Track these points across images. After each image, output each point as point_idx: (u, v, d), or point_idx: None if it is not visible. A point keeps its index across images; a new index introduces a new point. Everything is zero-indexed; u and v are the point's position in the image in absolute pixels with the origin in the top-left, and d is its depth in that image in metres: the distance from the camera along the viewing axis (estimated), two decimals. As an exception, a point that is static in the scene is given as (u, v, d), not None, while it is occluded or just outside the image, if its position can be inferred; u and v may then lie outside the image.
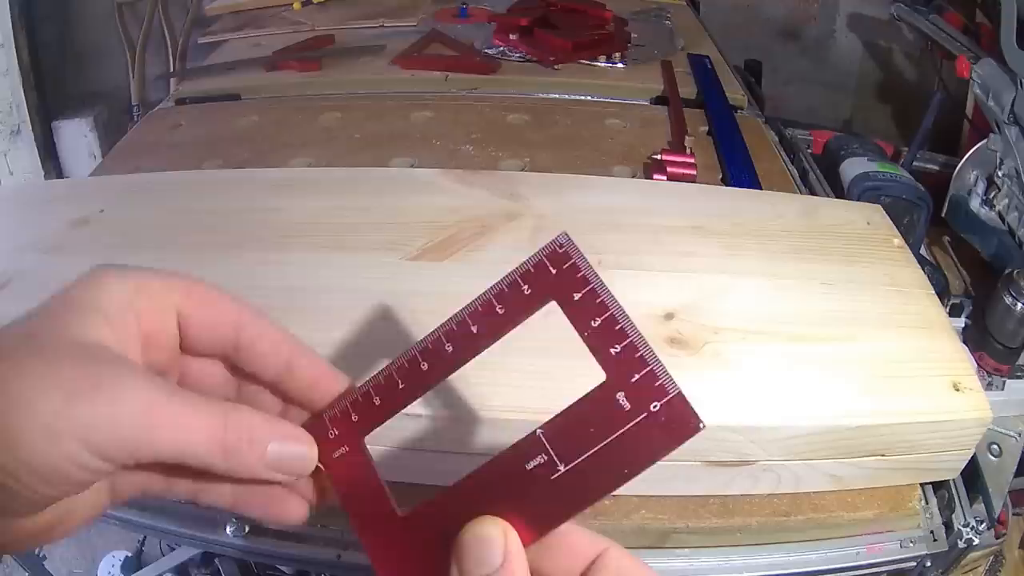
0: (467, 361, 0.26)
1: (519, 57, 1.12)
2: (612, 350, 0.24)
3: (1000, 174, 1.07)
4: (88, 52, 1.60)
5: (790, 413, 0.45)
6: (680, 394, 0.23)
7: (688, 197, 0.67)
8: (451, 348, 0.26)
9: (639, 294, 0.54)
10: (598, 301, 0.25)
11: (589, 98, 1.03)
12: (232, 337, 0.27)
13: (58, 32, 1.54)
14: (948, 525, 0.50)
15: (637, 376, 0.23)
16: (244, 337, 0.28)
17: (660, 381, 0.23)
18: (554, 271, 0.26)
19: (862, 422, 0.45)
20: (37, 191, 0.83)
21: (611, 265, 0.56)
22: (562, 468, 0.24)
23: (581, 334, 0.25)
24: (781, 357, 0.49)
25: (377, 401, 0.27)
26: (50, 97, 1.51)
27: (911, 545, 0.49)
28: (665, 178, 0.78)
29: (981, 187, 1.12)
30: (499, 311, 0.26)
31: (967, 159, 1.15)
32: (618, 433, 0.23)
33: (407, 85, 1.05)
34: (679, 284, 0.55)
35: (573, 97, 1.03)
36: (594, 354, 0.24)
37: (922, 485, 0.52)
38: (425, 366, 0.27)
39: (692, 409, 0.23)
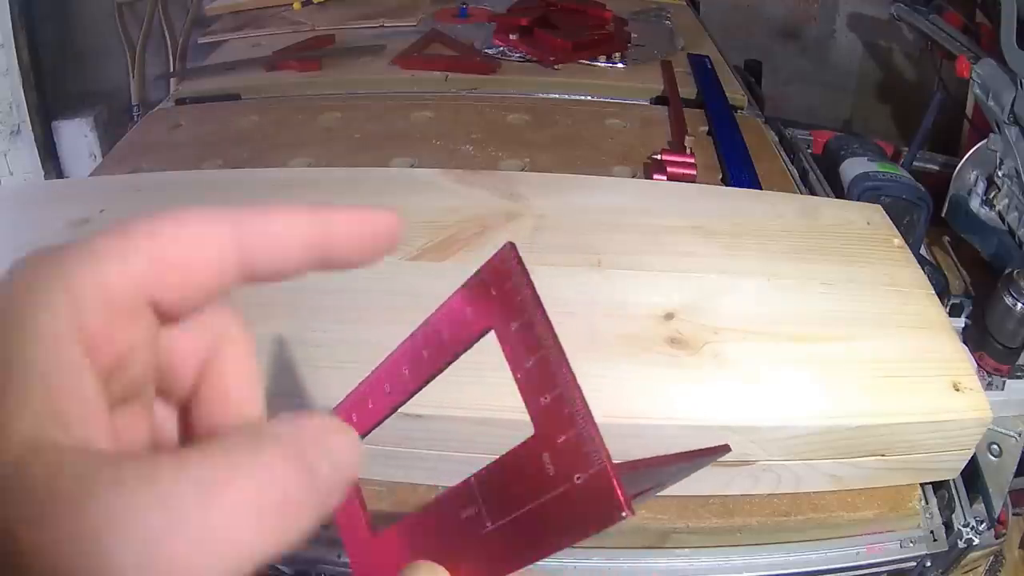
0: (421, 386, 0.24)
1: (519, 57, 1.12)
2: (542, 399, 0.20)
3: (1000, 174, 1.07)
4: (88, 52, 1.60)
5: (790, 413, 0.45)
6: (605, 470, 0.18)
7: (688, 197, 0.67)
8: (407, 371, 0.24)
9: (639, 294, 0.54)
10: (534, 335, 0.21)
11: (589, 98, 1.03)
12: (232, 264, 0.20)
13: (58, 32, 1.54)
14: (948, 525, 0.50)
15: (563, 438, 0.19)
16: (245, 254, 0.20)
17: (587, 448, 0.19)
18: (494, 292, 0.22)
19: (862, 422, 0.45)
20: (37, 191, 0.83)
21: (611, 265, 0.56)
22: (489, 525, 0.20)
23: (514, 375, 0.21)
24: (781, 357, 0.49)
25: (370, 404, 0.26)
26: (50, 97, 1.51)
27: (911, 545, 0.49)
28: (665, 178, 0.78)
29: (981, 187, 1.12)
30: (445, 336, 0.23)
31: (967, 159, 1.15)
32: (541, 500, 0.19)
33: (407, 85, 1.05)
34: (679, 284, 0.55)
35: (573, 97, 1.03)
36: (524, 401, 0.20)
37: (922, 485, 0.52)
38: (387, 387, 0.25)
39: (619, 491, 0.18)
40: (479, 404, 0.44)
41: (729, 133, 0.90)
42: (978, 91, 1.11)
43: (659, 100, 1.02)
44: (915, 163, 1.47)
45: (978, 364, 0.78)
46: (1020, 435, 0.57)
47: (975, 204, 1.13)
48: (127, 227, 0.18)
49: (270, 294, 0.53)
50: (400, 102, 0.99)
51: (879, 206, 0.67)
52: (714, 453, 0.24)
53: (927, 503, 0.51)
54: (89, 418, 0.16)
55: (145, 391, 0.19)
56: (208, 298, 0.19)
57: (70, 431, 0.15)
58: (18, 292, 0.16)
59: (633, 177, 0.83)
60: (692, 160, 0.81)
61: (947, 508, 0.51)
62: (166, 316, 0.19)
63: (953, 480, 0.51)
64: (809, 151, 0.96)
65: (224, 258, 0.19)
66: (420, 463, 0.46)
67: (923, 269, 0.58)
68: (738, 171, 0.81)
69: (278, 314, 0.51)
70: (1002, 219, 1.08)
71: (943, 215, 1.16)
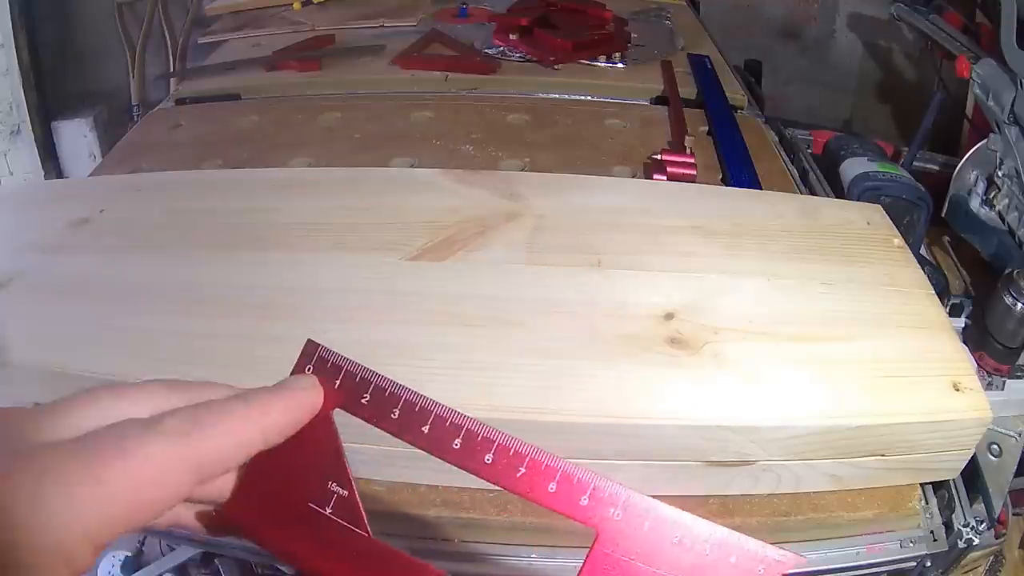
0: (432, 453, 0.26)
1: (519, 57, 1.12)
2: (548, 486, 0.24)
3: (1000, 174, 1.07)
4: (88, 52, 1.60)
5: (790, 413, 0.45)
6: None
7: (688, 197, 0.67)
8: (427, 429, 0.26)
9: (639, 294, 0.54)
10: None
11: (589, 98, 1.03)
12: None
13: (58, 32, 1.54)
14: (948, 525, 0.50)
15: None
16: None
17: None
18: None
19: (862, 422, 0.45)
20: (37, 191, 0.83)
21: (611, 265, 0.56)
22: None
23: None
24: (781, 357, 0.49)
25: (366, 399, 0.27)
26: (50, 97, 1.51)
27: (911, 545, 0.49)
28: (665, 178, 0.78)
29: (981, 187, 1.12)
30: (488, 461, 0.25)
31: (967, 159, 1.15)
32: None
33: (407, 85, 1.05)
34: (679, 284, 0.55)
35: (573, 97, 1.03)
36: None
37: (922, 485, 0.52)
38: (396, 414, 0.26)
39: None
40: (479, 404, 0.44)
41: (729, 133, 0.90)
42: (978, 91, 1.11)
43: (659, 100, 1.02)
44: (915, 163, 1.47)
45: (978, 364, 0.77)
46: (1020, 435, 0.57)
47: (975, 204, 1.13)
48: (105, 462, 0.22)
49: (270, 295, 0.53)
50: (400, 102, 0.99)
51: (879, 206, 0.67)
52: None
53: (927, 503, 0.51)
54: None
55: None
56: (176, 503, 0.24)
57: None
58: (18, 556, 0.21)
59: (633, 177, 0.83)
60: (692, 160, 0.81)
61: (947, 508, 0.51)
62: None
63: (953, 480, 0.51)
64: (809, 151, 0.96)
65: (185, 482, 0.24)
66: (420, 463, 0.46)
67: (923, 269, 0.58)
68: (738, 171, 0.81)
69: (279, 314, 0.51)
70: (1002, 219, 1.08)
71: (943, 215, 1.16)
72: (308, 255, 0.57)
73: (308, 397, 0.27)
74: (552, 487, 0.24)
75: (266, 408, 0.26)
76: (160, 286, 0.54)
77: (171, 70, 1.53)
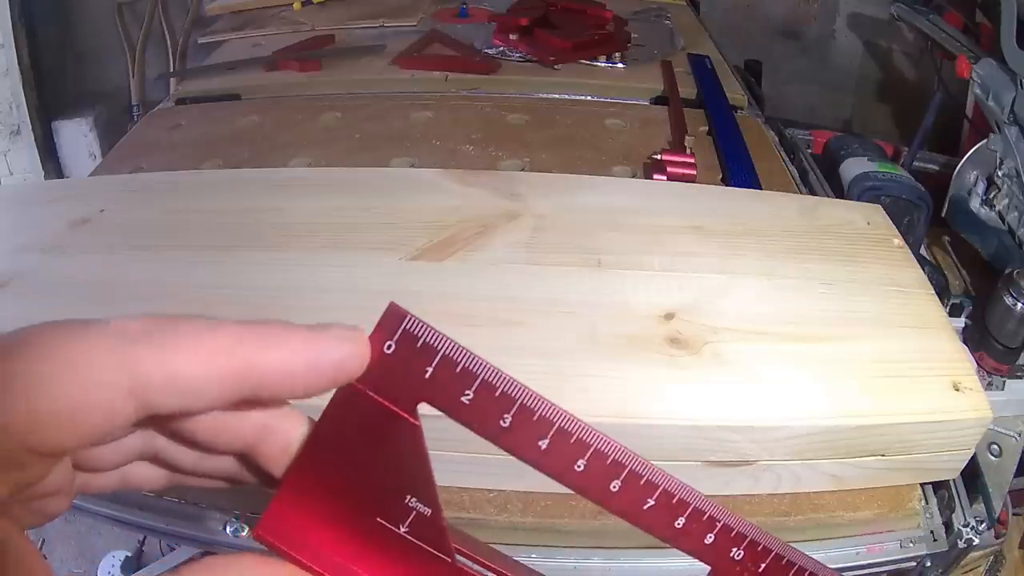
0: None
1: (519, 57, 1.12)
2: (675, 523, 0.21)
3: (1000, 174, 1.07)
4: (88, 52, 1.60)
5: (790, 413, 0.45)
6: None
7: (688, 197, 0.67)
8: (545, 445, 0.21)
9: (639, 294, 0.54)
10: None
11: (589, 98, 1.03)
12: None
13: (58, 32, 1.54)
14: (948, 525, 0.50)
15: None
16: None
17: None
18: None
19: (862, 422, 0.45)
20: (37, 191, 0.83)
21: (611, 265, 0.56)
22: None
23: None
24: (781, 357, 0.49)
25: (468, 397, 0.21)
26: (50, 97, 1.51)
27: (911, 545, 0.49)
28: (665, 178, 0.78)
29: (981, 187, 1.12)
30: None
31: (967, 159, 1.15)
32: None
33: (407, 85, 1.05)
34: (679, 284, 0.55)
35: (573, 97, 1.03)
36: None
37: (922, 485, 0.52)
38: (507, 421, 0.21)
39: None
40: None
41: (729, 133, 0.90)
42: (978, 91, 1.11)
43: (659, 100, 1.02)
44: (915, 163, 1.47)
45: (978, 364, 0.77)
46: (1020, 435, 0.57)
47: (975, 204, 1.13)
48: (28, 346, 0.17)
49: (270, 295, 0.53)
50: (400, 102, 0.99)
51: (879, 206, 0.67)
52: None
53: (927, 503, 0.51)
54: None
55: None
56: (106, 437, 0.18)
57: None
58: None
59: (633, 177, 0.83)
60: (692, 160, 0.81)
61: (947, 508, 0.51)
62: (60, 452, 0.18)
63: (953, 480, 0.51)
64: (809, 151, 0.96)
65: (121, 404, 0.17)
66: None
67: (923, 269, 0.58)
68: (738, 171, 0.81)
69: (279, 314, 0.51)
70: (1002, 219, 1.08)
71: (943, 215, 1.16)
72: (308, 255, 0.57)
73: (340, 349, 0.19)
74: (680, 522, 0.21)
75: (266, 339, 0.18)
76: (160, 286, 0.54)
77: (171, 70, 1.54)
